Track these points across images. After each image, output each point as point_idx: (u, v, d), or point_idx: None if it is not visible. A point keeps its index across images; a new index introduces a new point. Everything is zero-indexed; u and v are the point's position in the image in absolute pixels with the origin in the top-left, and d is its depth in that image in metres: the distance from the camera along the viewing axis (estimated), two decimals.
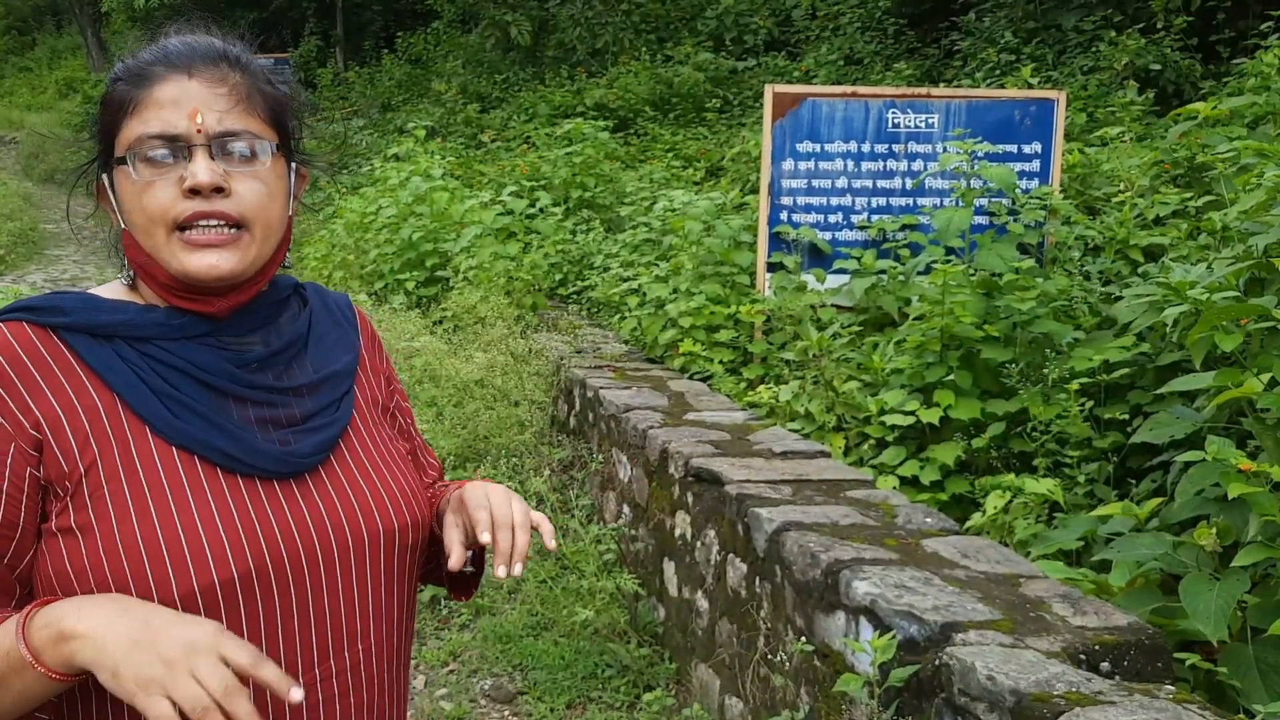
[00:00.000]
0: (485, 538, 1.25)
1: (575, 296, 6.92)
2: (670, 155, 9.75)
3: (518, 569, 1.24)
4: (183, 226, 1.17)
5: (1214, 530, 2.47)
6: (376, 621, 1.27)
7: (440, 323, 6.27)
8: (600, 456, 4.56)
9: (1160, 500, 2.88)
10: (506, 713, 3.61)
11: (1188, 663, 2.33)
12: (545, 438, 5.14)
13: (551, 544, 1.29)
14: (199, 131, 1.17)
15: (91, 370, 1.17)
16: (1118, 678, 2.15)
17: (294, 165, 1.28)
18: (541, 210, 7.69)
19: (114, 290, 1.26)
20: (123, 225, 1.22)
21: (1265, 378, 2.66)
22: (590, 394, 4.74)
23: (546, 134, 10.18)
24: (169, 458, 1.16)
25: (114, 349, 1.18)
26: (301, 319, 1.33)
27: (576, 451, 4.87)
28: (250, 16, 17.78)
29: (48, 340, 1.17)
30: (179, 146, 1.17)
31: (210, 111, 1.18)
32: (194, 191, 1.16)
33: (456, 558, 1.26)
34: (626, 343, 5.70)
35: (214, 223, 1.17)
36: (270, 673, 1.05)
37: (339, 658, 1.23)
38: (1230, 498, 2.41)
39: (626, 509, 4.24)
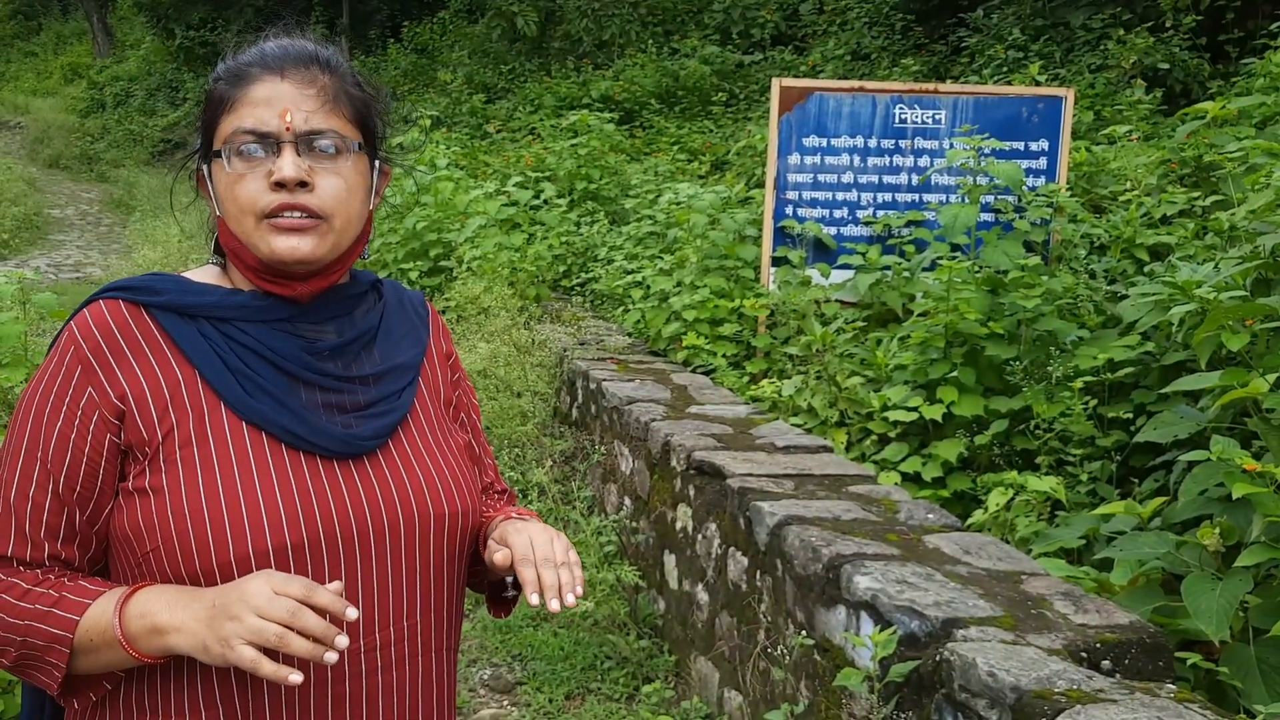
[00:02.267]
0: (534, 600, 1.26)
1: (579, 288, 6.91)
2: (676, 148, 9.73)
3: (570, 599, 1.27)
4: (270, 215, 1.26)
5: (1217, 530, 2.47)
6: (424, 601, 1.34)
7: (444, 312, 6.26)
8: (602, 448, 4.56)
9: (1163, 500, 2.87)
10: (505, 702, 3.61)
11: (1189, 662, 2.32)
12: (547, 429, 5.14)
13: (571, 600, 1.28)
14: (288, 129, 1.26)
15: (176, 346, 1.27)
16: (1119, 676, 2.15)
17: (377, 163, 1.36)
18: (546, 202, 7.68)
19: (205, 274, 1.36)
20: (218, 213, 1.31)
21: (1271, 378, 2.65)
22: (593, 386, 4.74)
23: (552, 125, 10.17)
24: (239, 431, 1.26)
25: (198, 328, 1.28)
26: (374, 312, 1.41)
27: (578, 443, 4.87)
28: (257, 4, 17.75)
29: (139, 317, 1.27)
30: (269, 142, 1.26)
31: (299, 111, 1.27)
32: (280, 185, 1.25)
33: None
34: (630, 335, 5.69)
35: (297, 214, 1.26)
36: (324, 597, 1.13)
37: (384, 631, 1.30)
38: (1234, 498, 2.41)
39: (628, 501, 4.24)
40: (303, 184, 1.25)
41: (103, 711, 1.29)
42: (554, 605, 1.26)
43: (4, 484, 1.25)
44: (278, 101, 1.26)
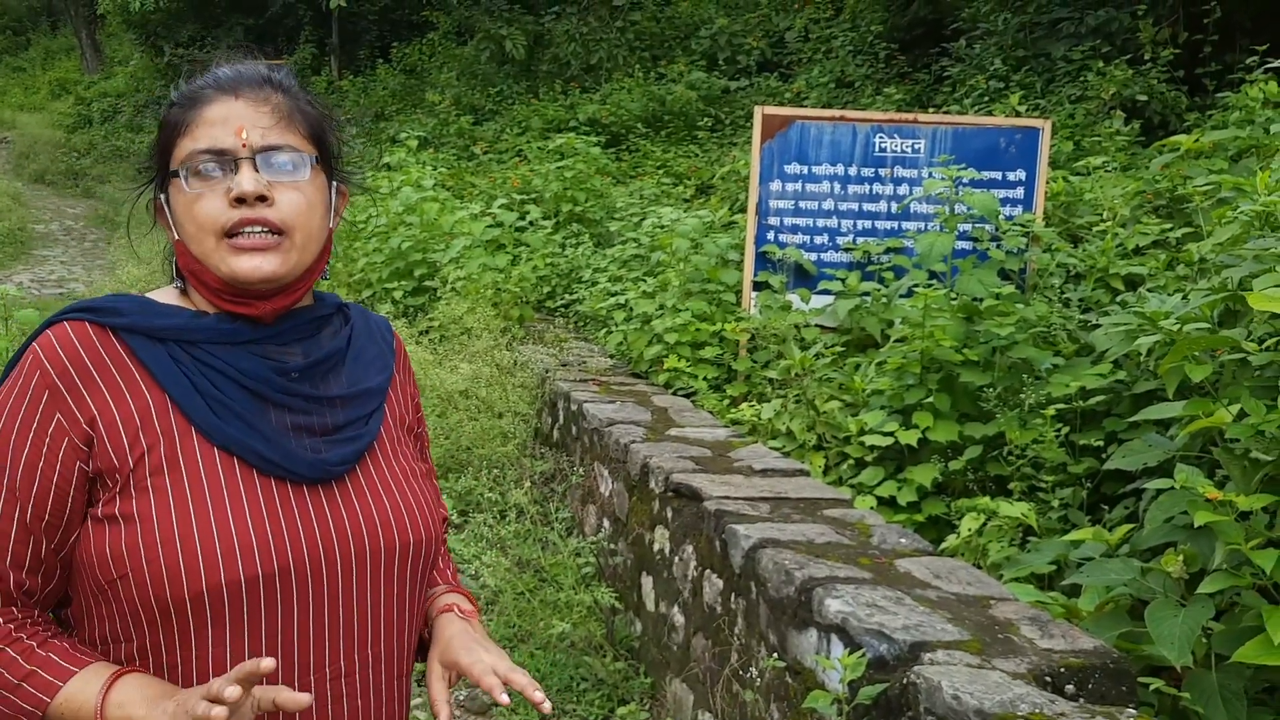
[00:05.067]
0: (504, 699, 1.30)
1: (562, 310, 6.95)
2: (661, 172, 9.80)
3: (539, 694, 1.30)
4: (231, 233, 1.26)
5: (1180, 557, 2.51)
6: (388, 628, 1.34)
7: (427, 333, 6.29)
8: (582, 470, 4.58)
9: (1131, 526, 2.92)
10: None
11: (1152, 687, 2.36)
12: (528, 450, 5.16)
13: (539, 696, 1.32)
14: (244, 146, 1.26)
15: (146, 370, 1.26)
16: (1082, 700, 2.19)
17: (334, 182, 1.37)
18: (531, 223, 7.73)
19: (166, 295, 1.35)
20: (176, 237, 1.31)
21: (1234, 408, 2.70)
22: (574, 407, 4.77)
23: (538, 147, 10.23)
24: (210, 457, 1.25)
25: (167, 350, 1.27)
26: (342, 335, 1.41)
27: (558, 464, 4.89)
28: (246, 23, 17.81)
29: (106, 340, 1.26)
30: (226, 160, 1.26)
31: (254, 128, 1.28)
32: (240, 200, 1.25)
33: (445, 716, 1.31)
34: (612, 357, 5.73)
35: (258, 229, 1.26)
36: (245, 667, 1.14)
37: (349, 659, 1.30)
38: (1197, 525, 2.45)
39: (606, 523, 4.26)
40: (262, 198, 1.25)
41: None
42: (538, 696, 1.29)
43: None
44: (233, 120, 1.27)
